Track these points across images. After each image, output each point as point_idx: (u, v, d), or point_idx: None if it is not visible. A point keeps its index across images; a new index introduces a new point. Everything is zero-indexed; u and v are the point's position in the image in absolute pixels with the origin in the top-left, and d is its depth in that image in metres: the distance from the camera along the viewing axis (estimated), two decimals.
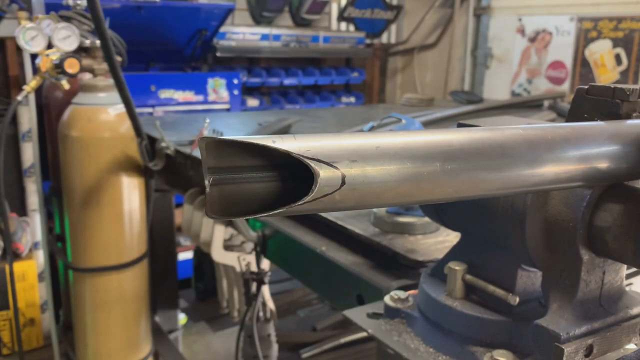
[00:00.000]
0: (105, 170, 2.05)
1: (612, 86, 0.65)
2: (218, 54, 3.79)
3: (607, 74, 3.65)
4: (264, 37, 4.04)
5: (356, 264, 1.12)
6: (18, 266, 2.83)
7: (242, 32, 3.94)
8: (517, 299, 0.71)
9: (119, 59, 1.96)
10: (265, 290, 1.91)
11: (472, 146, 0.48)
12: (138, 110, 1.92)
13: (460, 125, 0.70)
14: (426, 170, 0.45)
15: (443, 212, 0.81)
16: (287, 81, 4.22)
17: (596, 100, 0.66)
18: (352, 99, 4.60)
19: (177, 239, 3.11)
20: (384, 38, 4.93)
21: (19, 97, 2.05)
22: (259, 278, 1.74)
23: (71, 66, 1.97)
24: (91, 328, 2.23)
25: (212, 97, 3.58)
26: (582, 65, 3.76)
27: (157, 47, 3.68)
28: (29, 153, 2.98)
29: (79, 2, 2.30)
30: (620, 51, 3.55)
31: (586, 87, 0.68)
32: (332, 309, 3.36)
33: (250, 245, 1.79)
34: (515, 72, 4.17)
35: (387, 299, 0.86)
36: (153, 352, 2.42)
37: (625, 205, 0.63)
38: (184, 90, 3.48)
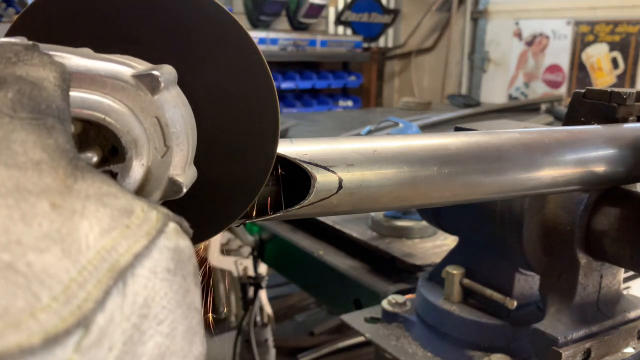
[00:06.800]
0: None
1: (609, 90, 0.65)
2: None
3: (603, 78, 3.65)
4: (261, 40, 4.04)
5: (354, 268, 1.12)
6: None
7: None
8: (515, 303, 0.71)
9: None
10: (263, 294, 1.90)
11: (470, 150, 0.48)
12: None
13: (457, 129, 0.70)
14: (423, 174, 0.45)
15: (440, 216, 0.81)
16: (285, 85, 4.22)
17: (593, 104, 0.66)
18: (350, 103, 4.60)
19: None
20: (381, 42, 4.94)
21: None
22: (256, 282, 1.74)
23: None
24: None
25: None
26: (579, 69, 3.77)
27: None
28: None
29: None
30: (617, 55, 3.56)
31: (583, 91, 0.68)
32: (329, 313, 3.35)
33: (247, 250, 1.78)
34: (512, 75, 4.18)
35: (384, 303, 0.86)
36: None
37: (622, 208, 0.63)
38: None
